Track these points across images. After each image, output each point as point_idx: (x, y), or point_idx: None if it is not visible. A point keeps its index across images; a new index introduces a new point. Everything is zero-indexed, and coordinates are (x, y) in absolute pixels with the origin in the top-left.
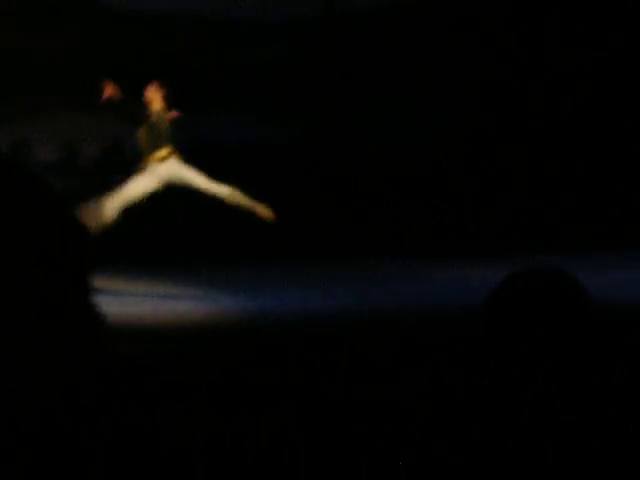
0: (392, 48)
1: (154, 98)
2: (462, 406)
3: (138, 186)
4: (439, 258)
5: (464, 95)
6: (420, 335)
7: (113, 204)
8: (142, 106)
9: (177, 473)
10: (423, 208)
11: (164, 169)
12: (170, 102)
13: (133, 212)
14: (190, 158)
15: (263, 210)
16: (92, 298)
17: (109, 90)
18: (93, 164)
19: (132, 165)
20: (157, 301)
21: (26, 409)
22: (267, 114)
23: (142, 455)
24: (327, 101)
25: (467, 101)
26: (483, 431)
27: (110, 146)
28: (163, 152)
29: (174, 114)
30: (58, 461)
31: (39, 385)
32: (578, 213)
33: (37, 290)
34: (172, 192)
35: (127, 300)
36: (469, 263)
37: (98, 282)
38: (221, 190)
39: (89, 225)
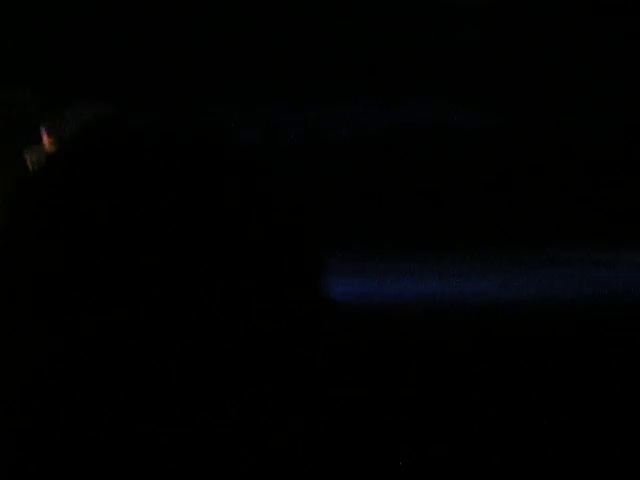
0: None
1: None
2: None
3: None
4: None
5: None
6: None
7: None
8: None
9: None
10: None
11: None
12: None
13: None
14: (389, 144)
15: None
16: (323, 282)
17: None
18: (296, 147)
19: (336, 149)
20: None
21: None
22: (459, 97)
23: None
24: (517, 85)
25: None
26: None
27: (314, 129)
28: None
29: None
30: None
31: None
32: None
33: (264, 278)
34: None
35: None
36: None
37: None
38: None
39: None
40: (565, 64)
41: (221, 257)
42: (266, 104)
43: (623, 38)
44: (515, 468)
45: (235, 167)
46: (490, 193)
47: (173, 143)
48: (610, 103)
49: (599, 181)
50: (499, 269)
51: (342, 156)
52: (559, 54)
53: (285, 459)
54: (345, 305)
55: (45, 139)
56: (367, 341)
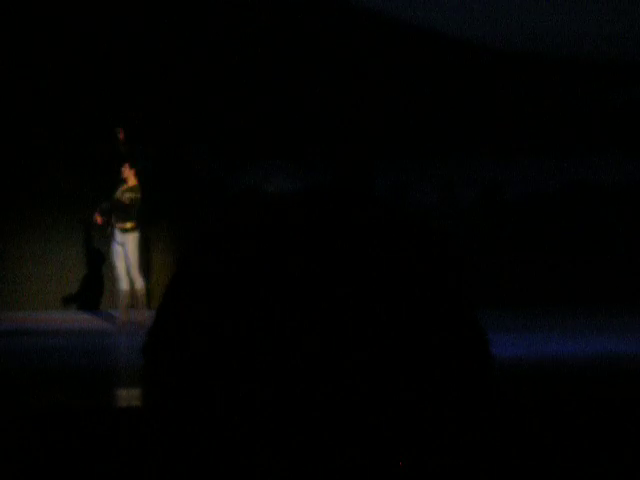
0: None
1: (128, 176)
2: None
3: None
4: None
5: None
6: None
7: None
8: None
9: None
10: None
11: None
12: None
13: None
14: (564, 201)
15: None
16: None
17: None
18: (472, 206)
19: (513, 208)
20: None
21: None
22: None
23: None
24: None
25: None
26: None
27: (490, 188)
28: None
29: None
30: None
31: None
32: None
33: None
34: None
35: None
36: None
37: None
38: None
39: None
40: None
41: (390, 315)
42: (443, 164)
43: None
44: None
45: (407, 231)
46: None
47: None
48: None
49: None
50: None
51: (518, 215)
52: None
53: None
54: (508, 362)
55: None
56: (527, 398)
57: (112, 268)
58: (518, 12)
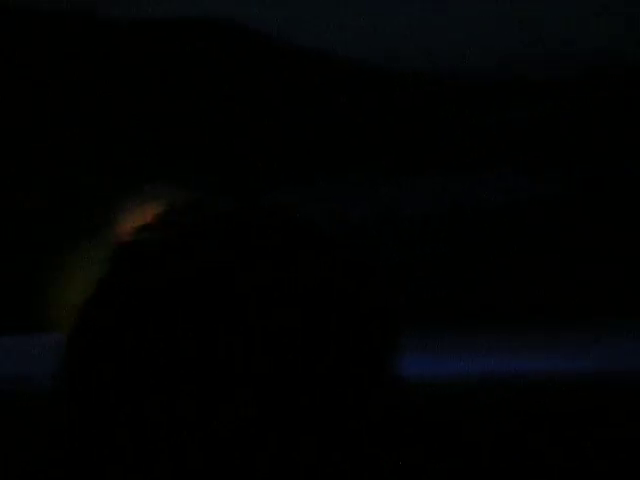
0: None
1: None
2: None
3: None
4: None
5: None
6: None
7: None
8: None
9: None
10: None
11: None
12: None
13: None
14: (449, 224)
15: None
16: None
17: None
18: (363, 224)
19: (405, 227)
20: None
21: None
22: (530, 170)
23: None
24: (590, 156)
25: None
26: None
27: (382, 207)
28: None
29: None
30: None
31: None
32: None
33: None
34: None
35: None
36: None
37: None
38: None
39: None
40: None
41: (296, 332)
42: (338, 184)
43: None
44: None
45: (311, 246)
46: (564, 267)
47: (250, 225)
48: None
49: None
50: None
51: (414, 233)
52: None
53: None
54: (415, 382)
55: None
56: (435, 419)
57: None
58: (412, 32)
